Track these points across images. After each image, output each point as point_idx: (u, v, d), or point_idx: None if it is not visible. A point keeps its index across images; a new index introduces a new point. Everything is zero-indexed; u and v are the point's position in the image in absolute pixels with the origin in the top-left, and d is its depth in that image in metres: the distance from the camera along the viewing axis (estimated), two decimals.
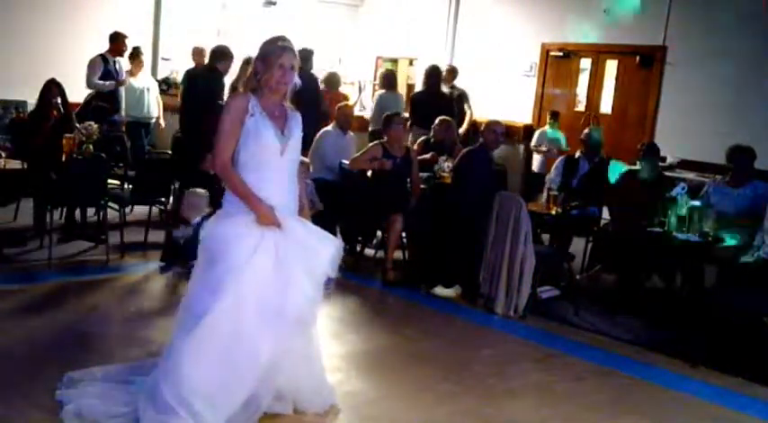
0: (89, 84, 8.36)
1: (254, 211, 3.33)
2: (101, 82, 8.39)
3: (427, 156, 7.11)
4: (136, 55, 8.87)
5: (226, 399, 3.29)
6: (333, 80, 9.35)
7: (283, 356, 3.40)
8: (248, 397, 3.34)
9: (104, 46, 8.62)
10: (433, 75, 8.82)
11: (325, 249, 3.47)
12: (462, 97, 9.35)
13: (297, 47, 3.49)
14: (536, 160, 9.76)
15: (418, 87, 10.11)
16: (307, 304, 3.42)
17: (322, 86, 9.11)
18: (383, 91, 9.30)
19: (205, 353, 3.27)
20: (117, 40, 8.53)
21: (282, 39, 3.40)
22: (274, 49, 3.35)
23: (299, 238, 3.42)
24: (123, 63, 8.79)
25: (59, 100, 6.61)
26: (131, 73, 8.87)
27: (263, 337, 3.32)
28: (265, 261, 3.32)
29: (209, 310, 3.24)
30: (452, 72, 9.62)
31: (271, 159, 3.38)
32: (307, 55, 8.47)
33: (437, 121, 7.48)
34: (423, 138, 7.69)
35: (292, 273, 3.35)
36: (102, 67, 8.36)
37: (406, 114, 8.16)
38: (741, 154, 5.88)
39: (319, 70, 9.62)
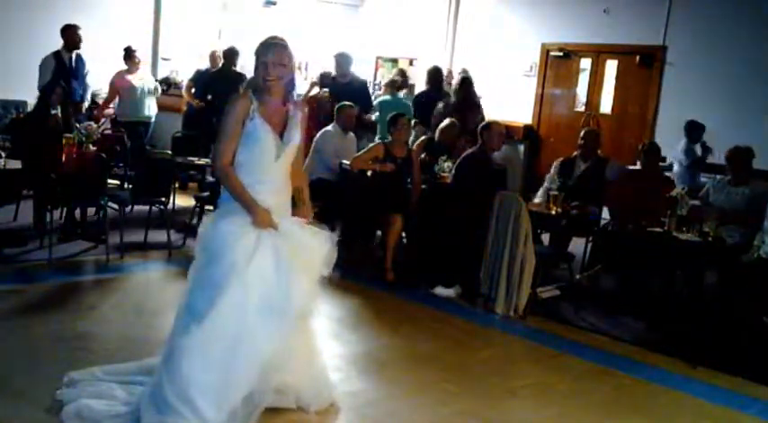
0: (39, 87, 7.85)
1: (251, 213, 3.37)
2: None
3: (425, 157, 7.09)
4: (128, 55, 8.84)
5: (227, 396, 3.30)
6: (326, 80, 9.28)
7: (284, 354, 3.42)
8: (248, 394, 3.35)
9: (104, 46, 8.63)
10: (435, 76, 8.99)
11: (319, 247, 3.52)
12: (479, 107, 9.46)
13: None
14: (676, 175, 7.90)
15: (419, 87, 10.16)
16: (307, 302, 3.47)
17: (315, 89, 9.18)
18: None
19: (207, 351, 3.28)
20: (66, 33, 8.16)
21: (272, 37, 3.45)
22: (261, 48, 3.40)
23: (296, 238, 3.46)
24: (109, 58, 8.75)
25: (61, 102, 6.63)
26: (128, 72, 8.86)
27: (265, 336, 3.34)
28: (265, 260, 3.36)
29: (212, 309, 3.27)
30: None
31: (266, 163, 3.43)
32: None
33: (445, 123, 7.49)
34: (423, 138, 7.69)
35: (291, 272, 3.39)
36: (54, 64, 7.97)
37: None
38: (739, 154, 5.91)
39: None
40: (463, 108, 8.38)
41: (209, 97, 8.95)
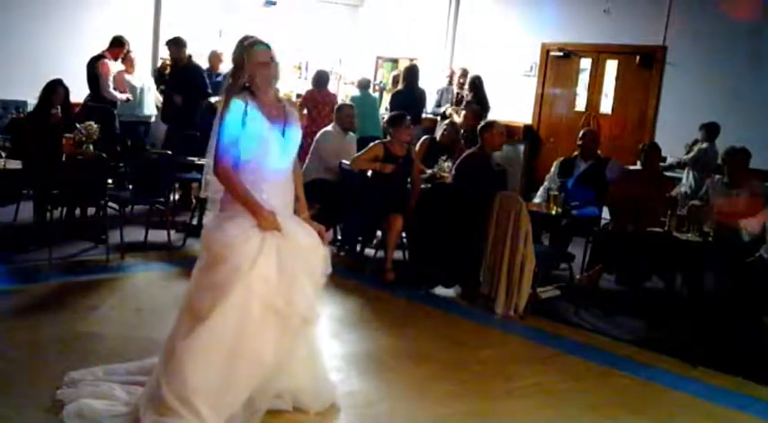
0: (106, 91, 8.39)
1: (256, 216, 3.33)
2: (118, 94, 8.53)
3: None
4: (116, 44, 8.83)
5: (227, 399, 3.30)
6: (321, 79, 9.31)
7: (286, 358, 3.42)
8: (249, 397, 3.35)
9: (104, 46, 8.61)
10: (410, 74, 9.58)
11: (320, 248, 3.51)
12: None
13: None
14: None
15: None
16: (309, 305, 3.45)
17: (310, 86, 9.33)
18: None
19: (209, 354, 3.27)
20: (119, 46, 8.55)
21: (246, 38, 3.41)
22: (245, 50, 3.36)
23: (299, 240, 3.44)
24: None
25: (63, 101, 6.62)
26: (126, 71, 8.86)
27: (267, 340, 3.33)
28: (269, 264, 3.34)
29: (214, 312, 3.25)
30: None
31: (270, 161, 3.40)
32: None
33: (447, 123, 7.50)
34: (426, 137, 7.70)
35: (294, 275, 3.38)
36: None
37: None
38: (736, 155, 5.92)
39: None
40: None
41: None
